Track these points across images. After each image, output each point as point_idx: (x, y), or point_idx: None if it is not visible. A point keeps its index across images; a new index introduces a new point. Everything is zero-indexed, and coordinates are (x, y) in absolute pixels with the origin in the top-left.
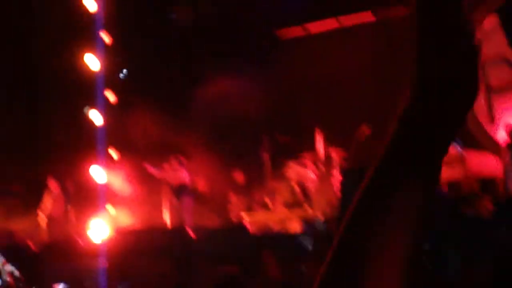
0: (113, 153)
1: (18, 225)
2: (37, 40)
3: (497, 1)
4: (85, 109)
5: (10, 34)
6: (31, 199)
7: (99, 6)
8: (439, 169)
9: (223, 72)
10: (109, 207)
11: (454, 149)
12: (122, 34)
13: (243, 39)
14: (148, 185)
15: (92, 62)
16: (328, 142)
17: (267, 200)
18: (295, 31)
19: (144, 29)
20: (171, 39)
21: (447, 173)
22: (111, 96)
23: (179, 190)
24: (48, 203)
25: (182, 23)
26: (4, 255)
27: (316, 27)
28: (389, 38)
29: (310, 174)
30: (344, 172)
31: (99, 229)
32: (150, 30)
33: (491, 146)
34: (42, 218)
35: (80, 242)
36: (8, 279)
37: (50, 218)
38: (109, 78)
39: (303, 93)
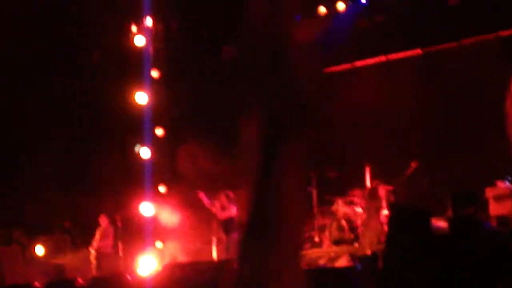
0: (162, 188)
1: (68, 260)
2: (87, 77)
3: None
4: (136, 147)
5: (60, 70)
6: (80, 235)
7: (147, 42)
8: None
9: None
10: (157, 242)
11: (504, 184)
12: (170, 70)
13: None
14: (197, 220)
15: (142, 98)
16: (376, 177)
17: (315, 236)
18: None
19: (192, 65)
20: (220, 73)
21: (497, 208)
22: (160, 132)
23: (228, 225)
24: (98, 238)
25: (230, 57)
26: None
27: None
28: (435, 71)
29: (358, 210)
30: (391, 207)
31: (147, 264)
32: (199, 66)
33: None
34: (91, 253)
35: (128, 277)
36: None
37: (100, 253)
38: (159, 113)
39: (351, 127)
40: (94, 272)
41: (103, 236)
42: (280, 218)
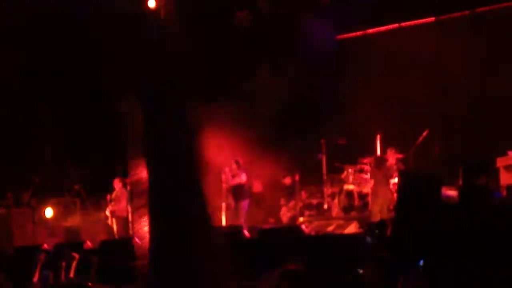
0: None
1: (78, 223)
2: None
3: None
4: None
5: (71, 33)
6: (90, 198)
7: (158, 5)
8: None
9: (283, 74)
10: None
11: None
12: (181, 34)
13: (302, 41)
14: (206, 185)
15: None
16: (387, 145)
17: (324, 203)
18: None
19: (204, 29)
20: (231, 40)
21: (508, 178)
22: None
23: (237, 191)
24: (112, 202)
25: (241, 24)
26: (65, 250)
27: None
28: (449, 38)
29: (367, 177)
30: (401, 175)
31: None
32: (210, 31)
33: None
34: (108, 217)
35: (137, 240)
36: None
37: (115, 217)
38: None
39: (362, 95)
40: (103, 234)
41: (117, 200)
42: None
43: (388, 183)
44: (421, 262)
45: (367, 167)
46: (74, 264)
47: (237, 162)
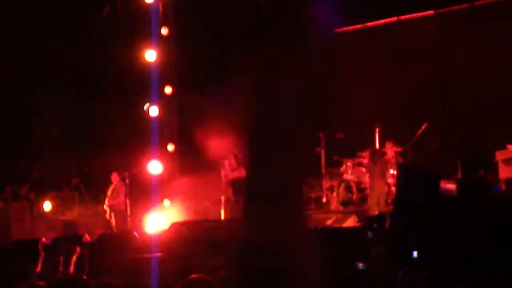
0: (170, 147)
1: (76, 217)
2: (96, 34)
3: None
4: (146, 106)
5: (69, 27)
6: (88, 191)
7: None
8: None
9: (281, 67)
10: (165, 200)
11: None
12: (180, 27)
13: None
14: (205, 179)
15: (151, 56)
16: (385, 139)
17: (323, 197)
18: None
19: (202, 22)
20: (230, 33)
21: (507, 172)
22: (169, 90)
23: (236, 185)
24: (110, 196)
25: (241, 17)
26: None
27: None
28: (448, 31)
29: (365, 171)
30: (400, 169)
31: (155, 222)
32: (209, 24)
33: None
34: (106, 211)
35: (135, 234)
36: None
37: (113, 211)
38: (168, 71)
39: (361, 88)
40: (102, 228)
41: (115, 194)
42: (282, 180)
43: (384, 176)
44: (415, 254)
45: (365, 161)
46: (74, 258)
47: (236, 157)
